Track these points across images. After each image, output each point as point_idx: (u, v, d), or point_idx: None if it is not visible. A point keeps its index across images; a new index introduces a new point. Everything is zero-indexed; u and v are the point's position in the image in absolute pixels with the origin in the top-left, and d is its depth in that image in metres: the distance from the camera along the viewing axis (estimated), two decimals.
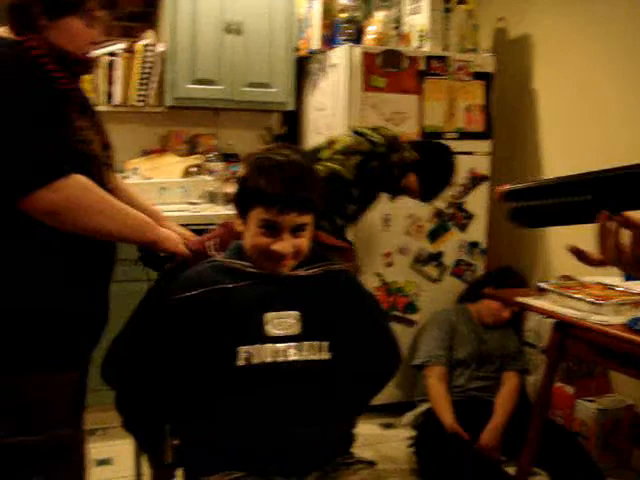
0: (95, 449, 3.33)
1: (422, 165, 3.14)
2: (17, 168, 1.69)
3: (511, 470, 3.05)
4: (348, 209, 3.02)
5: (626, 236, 1.02)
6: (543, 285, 2.72)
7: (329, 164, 2.88)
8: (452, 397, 3.44)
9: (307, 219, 1.85)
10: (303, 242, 1.87)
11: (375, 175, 3.01)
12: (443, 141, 3.73)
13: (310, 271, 1.94)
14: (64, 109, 1.83)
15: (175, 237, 2.02)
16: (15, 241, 1.77)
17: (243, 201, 1.89)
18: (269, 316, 1.83)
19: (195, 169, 4.13)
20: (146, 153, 4.24)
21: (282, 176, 1.81)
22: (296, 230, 1.84)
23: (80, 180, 1.77)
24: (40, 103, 1.75)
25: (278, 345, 1.81)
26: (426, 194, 3.24)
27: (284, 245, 1.82)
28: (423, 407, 3.54)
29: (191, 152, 4.30)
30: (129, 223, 1.88)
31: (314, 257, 1.97)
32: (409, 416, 3.62)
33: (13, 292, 1.78)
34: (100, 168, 1.91)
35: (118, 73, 3.97)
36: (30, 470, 1.81)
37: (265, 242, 1.83)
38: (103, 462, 3.34)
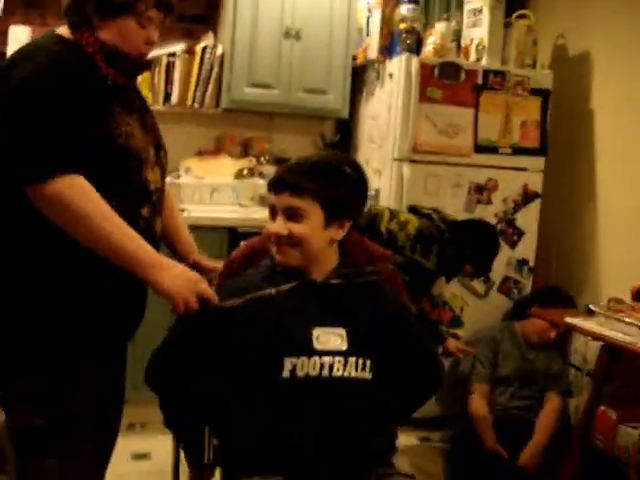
0: (133, 443, 3.38)
1: (473, 251, 3.14)
2: (19, 159, 1.73)
3: None
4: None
5: None
6: (592, 307, 2.69)
7: (417, 257, 2.89)
8: (493, 415, 3.41)
9: (301, 203, 1.85)
10: (298, 228, 1.86)
11: (453, 264, 3.04)
12: (497, 157, 3.74)
13: (342, 280, 1.94)
14: (106, 104, 1.85)
15: (178, 292, 1.81)
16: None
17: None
18: (317, 331, 1.84)
19: (247, 172, 4.16)
20: (200, 154, 4.28)
21: (295, 163, 1.92)
22: (290, 214, 1.86)
23: (78, 182, 1.74)
24: (75, 96, 1.77)
25: (324, 359, 1.81)
26: (479, 272, 3.28)
27: (274, 225, 1.87)
28: (463, 423, 3.51)
29: (244, 155, 4.33)
30: (118, 247, 1.78)
31: (347, 263, 1.98)
32: (448, 431, 3.60)
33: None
34: (141, 164, 1.91)
35: (176, 74, 4.01)
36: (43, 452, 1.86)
37: (269, 226, 1.91)
38: (140, 456, 3.37)
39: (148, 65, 2.09)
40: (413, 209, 3.11)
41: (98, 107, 1.82)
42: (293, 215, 1.86)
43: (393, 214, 2.99)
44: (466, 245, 3.06)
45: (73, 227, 1.75)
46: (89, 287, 1.86)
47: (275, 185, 1.89)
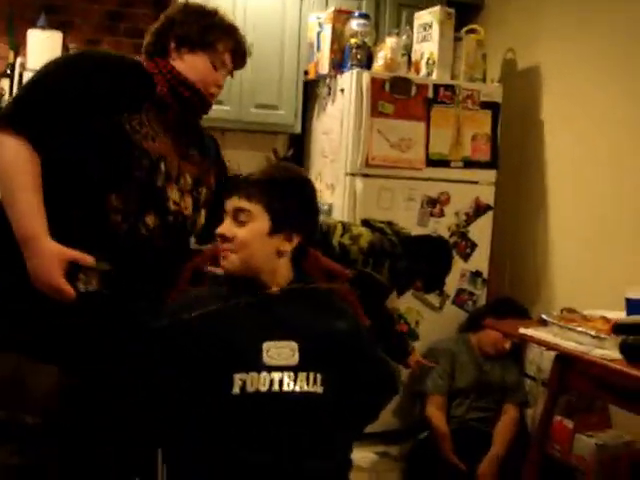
0: None
1: (425, 267, 3.15)
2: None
3: None
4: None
5: None
6: (545, 317, 2.70)
7: (369, 271, 2.89)
8: (450, 427, 3.41)
9: (248, 206, 1.87)
10: (242, 232, 1.87)
11: (404, 279, 3.05)
12: (449, 170, 3.78)
13: (297, 292, 1.93)
14: (140, 103, 1.91)
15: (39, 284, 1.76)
16: None
17: None
18: (267, 345, 1.82)
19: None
20: None
21: (251, 173, 1.95)
22: (237, 217, 1.88)
23: (13, 144, 1.77)
24: (109, 82, 1.86)
25: (273, 374, 1.78)
26: (430, 288, 3.30)
27: (221, 226, 1.89)
28: (420, 436, 3.51)
29: None
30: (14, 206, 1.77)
31: (301, 277, 1.99)
32: (405, 444, 3.60)
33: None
34: (156, 169, 1.91)
35: None
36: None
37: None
38: None
39: (209, 106, 2.11)
40: (366, 222, 3.10)
41: (129, 101, 1.89)
42: (239, 218, 1.87)
43: (345, 228, 2.98)
44: (419, 261, 3.06)
45: None
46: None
47: (228, 190, 1.92)
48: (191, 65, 1.99)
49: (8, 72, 3.85)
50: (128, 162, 1.85)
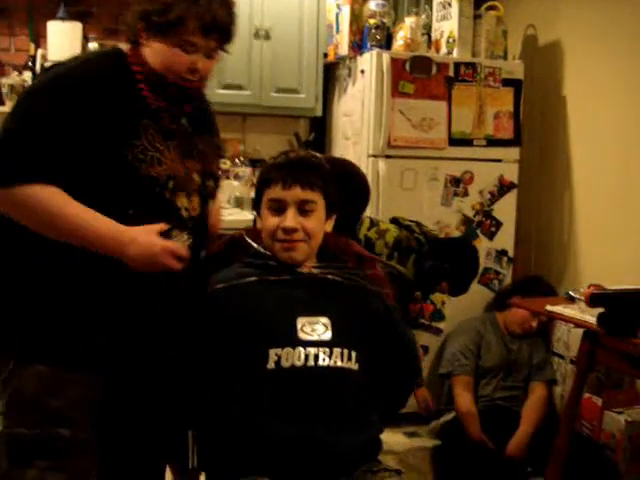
0: None
1: (452, 269, 3.14)
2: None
3: None
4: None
5: None
6: (572, 294, 2.68)
7: (393, 264, 2.89)
8: (478, 406, 3.41)
9: (313, 196, 1.89)
10: (311, 223, 1.89)
11: (429, 278, 3.03)
12: (472, 149, 3.75)
13: (328, 270, 1.95)
14: (135, 125, 1.77)
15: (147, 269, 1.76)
16: None
17: (257, 195, 1.98)
18: (302, 320, 1.83)
19: (222, 174, 4.12)
20: None
21: (285, 159, 1.94)
22: (302, 208, 1.88)
23: (43, 190, 1.69)
24: (93, 107, 1.72)
25: (309, 349, 1.79)
26: (455, 291, 3.26)
27: (289, 219, 1.87)
28: (449, 416, 3.51)
29: None
30: (76, 223, 1.72)
31: (329, 256, 2.01)
32: (434, 425, 3.60)
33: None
34: (163, 191, 1.81)
35: None
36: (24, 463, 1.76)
37: (274, 222, 1.89)
38: None
39: (193, 93, 1.87)
40: (395, 220, 3.11)
41: (123, 127, 1.75)
42: (305, 209, 1.89)
43: (373, 222, 2.99)
44: (446, 261, 3.06)
45: (39, 225, 1.72)
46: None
47: (283, 179, 1.89)
48: (161, 53, 1.77)
49: (30, 64, 3.88)
50: (138, 191, 1.79)
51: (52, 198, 1.70)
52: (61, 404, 1.77)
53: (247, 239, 2.04)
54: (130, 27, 1.81)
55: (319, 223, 1.93)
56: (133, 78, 1.80)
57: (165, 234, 1.78)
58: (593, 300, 1.10)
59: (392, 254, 2.92)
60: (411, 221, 3.13)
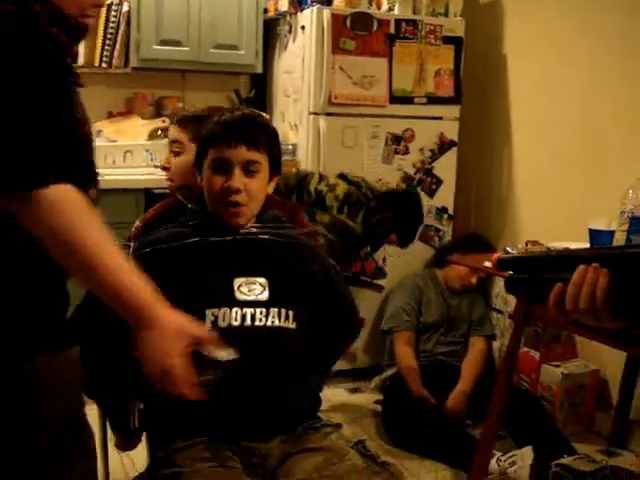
0: None
1: (398, 220, 3.16)
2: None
3: (476, 433, 3.08)
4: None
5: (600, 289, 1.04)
6: (510, 249, 2.72)
7: (343, 218, 2.88)
8: (419, 362, 3.46)
9: (258, 157, 1.86)
10: (255, 184, 1.86)
11: (378, 231, 3.04)
12: (413, 107, 3.76)
13: (266, 230, 1.93)
14: (67, 83, 1.39)
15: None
16: None
17: (198, 154, 1.92)
18: (239, 281, 1.82)
19: (161, 132, 4.06)
20: (111, 115, 4.16)
21: (231, 117, 1.89)
22: (248, 168, 1.85)
23: (63, 193, 1.28)
24: (43, 80, 1.30)
25: (245, 309, 1.79)
26: (403, 241, 3.28)
27: (236, 181, 1.83)
28: (390, 372, 3.56)
29: (157, 115, 4.23)
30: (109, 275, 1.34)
31: (269, 216, 1.99)
32: (376, 380, 3.65)
33: None
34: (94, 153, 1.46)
35: None
36: None
37: (219, 182, 1.85)
38: None
39: (88, 30, 1.51)
40: (342, 176, 3.12)
41: (59, 89, 1.35)
42: (250, 169, 1.85)
43: (322, 177, 3.01)
44: (392, 213, 3.08)
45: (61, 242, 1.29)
46: None
47: (229, 138, 1.84)
48: None
49: None
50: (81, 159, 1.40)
51: (81, 206, 1.32)
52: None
53: (181, 199, 2.02)
54: None
55: (263, 184, 1.90)
56: (44, 31, 1.36)
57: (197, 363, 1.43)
58: (501, 264, 1.10)
59: (342, 208, 2.94)
60: (357, 177, 3.14)
